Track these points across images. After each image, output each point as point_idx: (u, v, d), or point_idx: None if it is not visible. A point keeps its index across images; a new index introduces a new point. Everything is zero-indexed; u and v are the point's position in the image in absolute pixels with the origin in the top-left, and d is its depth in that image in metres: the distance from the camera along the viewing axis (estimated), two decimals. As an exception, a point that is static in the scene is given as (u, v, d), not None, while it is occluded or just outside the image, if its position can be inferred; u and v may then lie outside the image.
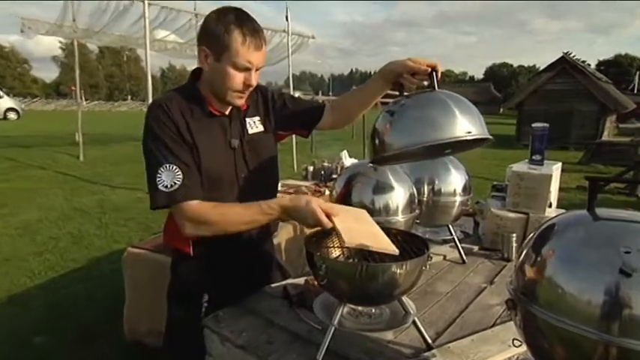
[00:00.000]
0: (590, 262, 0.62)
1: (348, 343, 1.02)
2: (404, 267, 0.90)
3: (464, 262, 1.64)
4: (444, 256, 1.69)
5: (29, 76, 61.07)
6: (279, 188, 1.82)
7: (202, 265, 1.25)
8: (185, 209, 1.10)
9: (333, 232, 1.07)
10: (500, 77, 76.08)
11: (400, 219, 1.35)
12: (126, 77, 64.87)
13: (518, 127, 15.47)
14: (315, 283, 1.09)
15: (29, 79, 60.46)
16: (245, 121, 1.26)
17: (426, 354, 1.01)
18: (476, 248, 1.79)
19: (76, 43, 9.32)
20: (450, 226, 1.67)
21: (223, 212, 1.11)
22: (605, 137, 14.10)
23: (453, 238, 1.66)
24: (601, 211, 0.70)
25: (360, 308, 1.05)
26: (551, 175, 1.73)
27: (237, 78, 1.12)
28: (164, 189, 1.07)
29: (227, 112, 1.23)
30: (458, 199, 1.63)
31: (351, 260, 1.06)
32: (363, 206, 1.27)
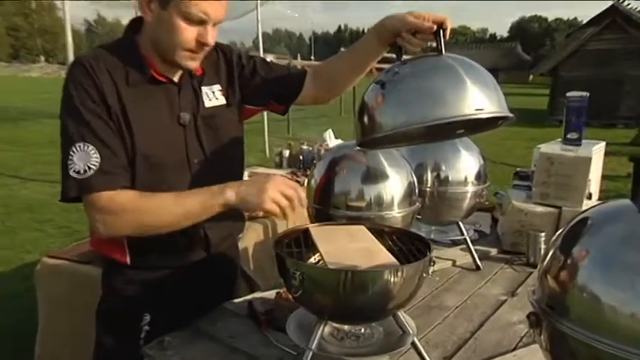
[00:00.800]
0: (633, 266, 0.63)
1: (330, 371, 1.04)
2: (399, 274, 0.91)
3: (478, 268, 1.68)
4: (454, 262, 1.73)
5: None
6: (246, 178, 1.82)
7: (142, 276, 1.26)
8: (96, 200, 1.08)
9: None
10: (531, 35, 76.86)
11: (396, 214, 1.37)
12: (36, 31, 63.05)
13: (552, 99, 15.69)
14: (289, 296, 1.10)
15: None
16: (201, 90, 1.26)
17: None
18: (494, 251, 1.84)
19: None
20: (461, 224, 1.71)
21: (148, 200, 1.11)
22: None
23: (465, 239, 1.70)
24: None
25: (345, 327, 1.07)
26: (590, 158, 1.76)
27: (189, 33, 1.11)
28: (75, 175, 1.07)
29: (175, 78, 1.22)
30: (470, 189, 1.66)
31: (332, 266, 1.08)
32: (347, 198, 1.29)
